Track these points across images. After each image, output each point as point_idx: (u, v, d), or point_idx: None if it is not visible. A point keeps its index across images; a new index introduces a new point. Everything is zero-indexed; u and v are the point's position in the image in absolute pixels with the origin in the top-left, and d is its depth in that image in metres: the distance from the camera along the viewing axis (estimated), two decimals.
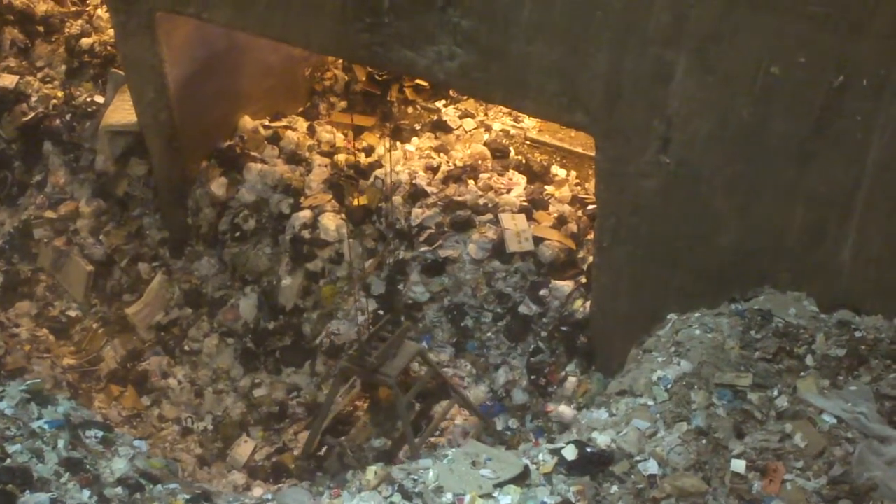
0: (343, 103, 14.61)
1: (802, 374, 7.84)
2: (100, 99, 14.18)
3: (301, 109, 14.38)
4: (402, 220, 12.09)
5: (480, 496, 7.04)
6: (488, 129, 13.98)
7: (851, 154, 8.04)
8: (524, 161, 13.29)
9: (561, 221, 12.13)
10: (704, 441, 7.39)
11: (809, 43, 7.77)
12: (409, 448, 10.46)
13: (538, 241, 11.81)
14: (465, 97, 14.17)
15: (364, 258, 12.13)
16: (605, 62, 8.73)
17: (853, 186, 8.18)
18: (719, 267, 9.14)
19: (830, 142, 8.07)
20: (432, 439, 11.14)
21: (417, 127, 14.11)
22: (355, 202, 12.72)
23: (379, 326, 10.69)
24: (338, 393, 11.10)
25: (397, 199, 12.30)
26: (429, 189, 12.60)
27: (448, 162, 13.33)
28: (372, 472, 7.43)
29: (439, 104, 14.46)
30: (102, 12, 14.60)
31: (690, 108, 8.53)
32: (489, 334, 11.49)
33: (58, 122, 14.19)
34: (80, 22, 14.86)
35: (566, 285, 11.48)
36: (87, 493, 7.08)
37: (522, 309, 11.50)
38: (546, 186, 12.84)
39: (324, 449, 11.16)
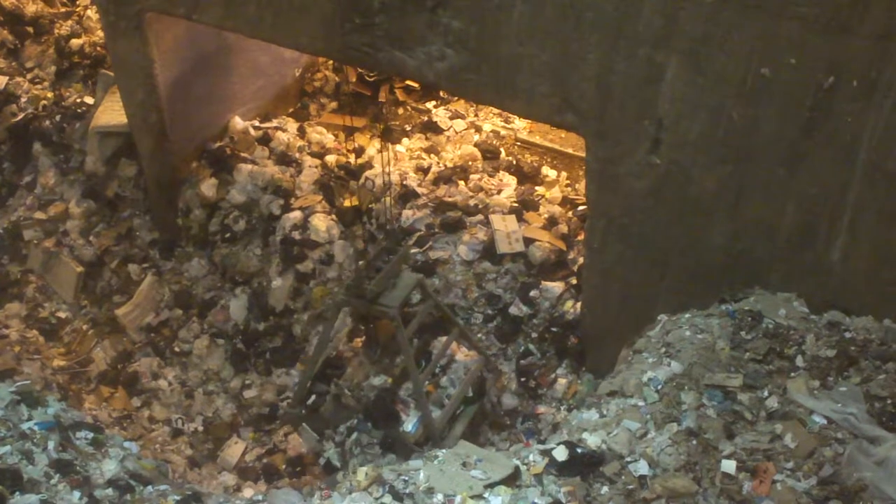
0: (333, 104, 14.63)
1: (792, 374, 7.85)
2: (89, 100, 14.17)
3: (291, 110, 14.40)
4: (392, 220, 12.06)
5: (471, 497, 7.03)
6: (479, 130, 14.01)
7: (842, 155, 8.05)
8: (515, 162, 13.32)
9: (551, 222, 12.15)
10: (695, 442, 7.40)
11: (800, 44, 7.78)
12: (412, 384, 10.20)
13: (528, 242, 11.84)
14: (456, 98, 14.19)
15: (354, 259, 12.11)
16: (596, 63, 8.74)
17: (843, 187, 8.19)
18: (710, 268, 9.15)
19: (821, 143, 8.08)
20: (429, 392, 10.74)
21: (408, 128, 14.12)
22: (346, 203, 12.72)
23: (375, 255, 10.30)
24: (332, 330, 10.78)
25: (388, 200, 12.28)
26: (419, 190, 12.62)
27: (438, 163, 13.36)
28: (363, 472, 7.42)
29: (430, 105, 14.48)
30: (92, 13, 14.58)
31: (681, 110, 8.54)
32: (480, 335, 11.47)
33: (47, 123, 14.17)
34: (69, 23, 14.84)
35: (556, 286, 11.50)
36: (77, 494, 7.06)
37: (513, 310, 11.51)
38: (536, 187, 12.87)
39: (312, 397, 10.78)
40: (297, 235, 12.48)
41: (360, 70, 14.25)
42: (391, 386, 10.48)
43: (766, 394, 7.71)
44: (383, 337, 10.84)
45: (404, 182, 12.67)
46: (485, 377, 10.95)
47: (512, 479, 7.21)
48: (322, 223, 12.43)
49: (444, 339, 10.94)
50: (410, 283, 10.26)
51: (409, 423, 10.16)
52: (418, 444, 10.16)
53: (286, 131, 13.77)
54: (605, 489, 7.16)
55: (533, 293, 11.50)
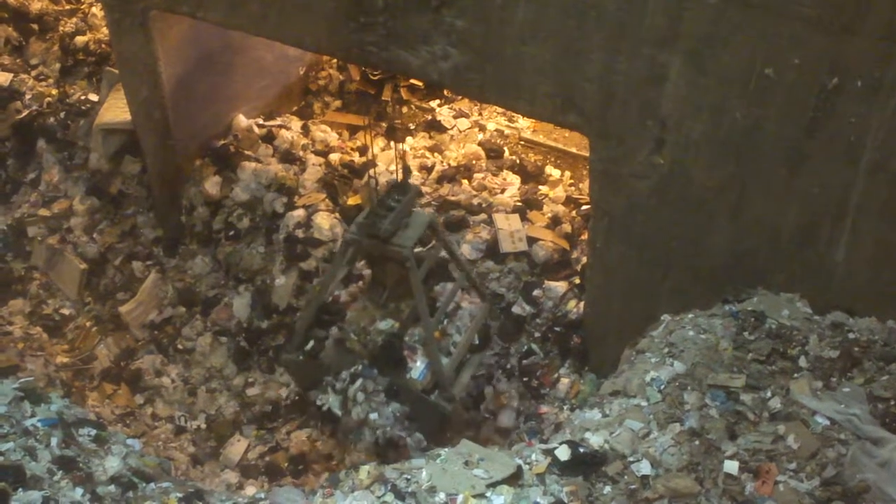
0: (337, 103, 14.64)
1: (795, 375, 7.85)
2: (94, 97, 14.18)
3: (295, 108, 14.40)
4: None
5: (473, 496, 7.03)
6: (482, 129, 14.01)
7: (845, 155, 8.05)
8: (518, 161, 13.32)
9: (555, 222, 12.15)
10: (697, 442, 7.39)
11: (803, 44, 7.77)
12: (423, 329, 9.85)
13: (532, 241, 11.84)
14: (460, 97, 14.19)
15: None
16: (599, 63, 8.73)
17: (847, 188, 8.19)
18: (713, 268, 9.15)
19: (824, 143, 8.08)
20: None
21: (412, 127, 14.12)
22: (349, 201, 12.73)
23: (386, 193, 9.87)
24: (340, 270, 10.42)
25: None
26: (423, 189, 12.61)
27: (442, 162, 13.36)
28: (365, 471, 7.42)
29: (434, 104, 14.48)
30: (97, 10, 14.59)
31: (684, 110, 8.54)
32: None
33: (52, 120, 14.19)
34: (74, 20, 14.85)
35: (560, 286, 11.50)
36: (79, 491, 7.07)
37: (516, 309, 11.50)
38: (540, 187, 12.87)
39: (310, 343, 10.41)
40: (300, 234, 12.49)
41: (364, 69, 14.25)
42: (399, 331, 10.09)
43: (768, 394, 7.70)
44: (390, 280, 10.28)
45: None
46: (489, 324, 10.76)
47: (514, 479, 7.21)
48: (325, 221, 12.44)
49: (449, 285, 10.69)
50: (423, 223, 9.91)
51: (417, 370, 9.93)
52: (426, 391, 9.96)
53: (290, 129, 13.77)
54: (607, 489, 7.16)
55: (536, 292, 11.50)
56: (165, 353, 13.05)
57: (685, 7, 8.08)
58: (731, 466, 7.17)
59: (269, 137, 13.57)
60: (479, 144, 13.60)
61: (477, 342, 10.63)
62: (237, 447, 12.11)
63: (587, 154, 9.78)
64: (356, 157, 13.38)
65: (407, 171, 10.84)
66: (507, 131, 13.92)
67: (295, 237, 12.50)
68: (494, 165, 13.30)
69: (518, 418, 11.07)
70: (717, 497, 7.01)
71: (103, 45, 14.38)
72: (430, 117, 14.24)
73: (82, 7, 15.02)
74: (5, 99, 14.35)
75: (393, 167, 12.40)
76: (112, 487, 7.29)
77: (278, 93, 14.03)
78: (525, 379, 11.19)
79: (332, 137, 13.83)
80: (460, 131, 14.05)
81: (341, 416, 10.13)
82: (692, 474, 7.17)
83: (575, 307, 11.27)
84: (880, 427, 7.35)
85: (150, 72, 11.92)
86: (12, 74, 14.53)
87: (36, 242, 13.81)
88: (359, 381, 9.93)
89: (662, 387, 7.90)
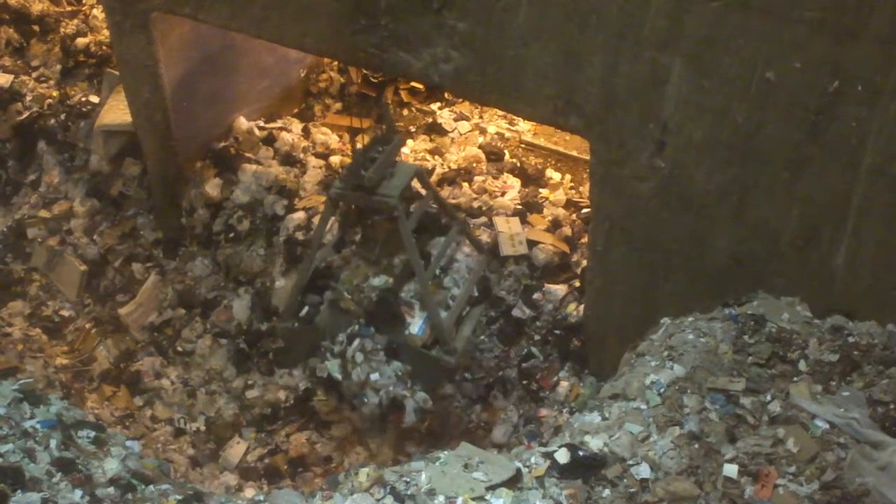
0: (338, 105, 14.63)
1: (795, 379, 7.84)
2: (95, 99, 14.18)
3: (296, 111, 14.39)
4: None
5: (472, 499, 7.02)
6: (483, 131, 14.01)
7: (846, 159, 8.05)
8: (519, 164, 13.32)
9: (555, 225, 12.14)
10: (697, 445, 7.38)
11: (805, 48, 7.77)
12: (418, 281, 9.62)
13: (532, 244, 11.83)
14: (461, 100, 14.19)
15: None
16: (601, 66, 8.74)
17: (848, 191, 8.18)
18: (713, 271, 9.14)
19: (825, 147, 8.07)
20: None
21: (412, 129, 14.13)
22: None
23: (368, 145, 9.62)
24: (326, 229, 10.13)
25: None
26: (423, 192, 12.60)
27: (443, 164, 13.35)
28: (364, 473, 7.41)
29: (434, 107, 14.48)
30: (98, 12, 14.59)
31: (685, 113, 8.54)
32: (482, 337, 11.46)
33: (52, 121, 14.19)
34: (75, 22, 14.85)
35: (560, 289, 11.49)
36: (78, 492, 7.05)
37: (516, 312, 11.48)
38: (540, 190, 12.86)
39: (305, 309, 10.13)
40: (300, 236, 12.48)
41: (364, 71, 14.26)
42: (393, 286, 9.83)
43: (768, 398, 7.70)
44: (381, 234, 10.09)
45: None
46: (488, 276, 10.47)
47: (513, 482, 7.20)
48: None
49: (442, 239, 10.29)
50: (409, 172, 9.76)
51: (415, 326, 9.67)
52: (426, 347, 9.72)
53: (291, 132, 13.77)
54: (606, 492, 7.15)
55: (536, 296, 11.50)
56: (165, 355, 13.04)
57: (686, 10, 8.08)
58: (731, 470, 7.16)
59: (269, 140, 13.56)
60: (480, 147, 13.60)
61: (476, 295, 10.33)
62: (236, 449, 12.10)
63: (588, 157, 9.77)
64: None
65: (390, 123, 10.69)
66: (507, 134, 13.93)
67: (295, 239, 12.49)
68: (495, 168, 13.29)
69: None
70: (717, 500, 7.01)
71: (104, 47, 14.39)
72: (430, 120, 14.24)
73: (83, 9, 15.03)
74: (6, 100, 14.35)
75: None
76: (111, 489, 7.28)
77: (279, 95, 14.02)
78: (525, 382, 11.19)
79: (333, 140, 13.83)
80: (461, 134, 14.05)
81: (342, 380, 9.89)
82: (692, 478, 7.17)
83: (575, 310, 11.26)
84: (880, 431, 7.35)
85: (151, 74, 11.92)
86: (13, 76, 14.53)
87: (36, 244, 13.81)
88: (356, 342, 9.69)
89: (662, 390, 7.89)
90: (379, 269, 10.00)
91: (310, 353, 10.29)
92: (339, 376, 9.87)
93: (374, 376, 9.80)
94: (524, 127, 13.93)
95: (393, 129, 10.38)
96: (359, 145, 9.63)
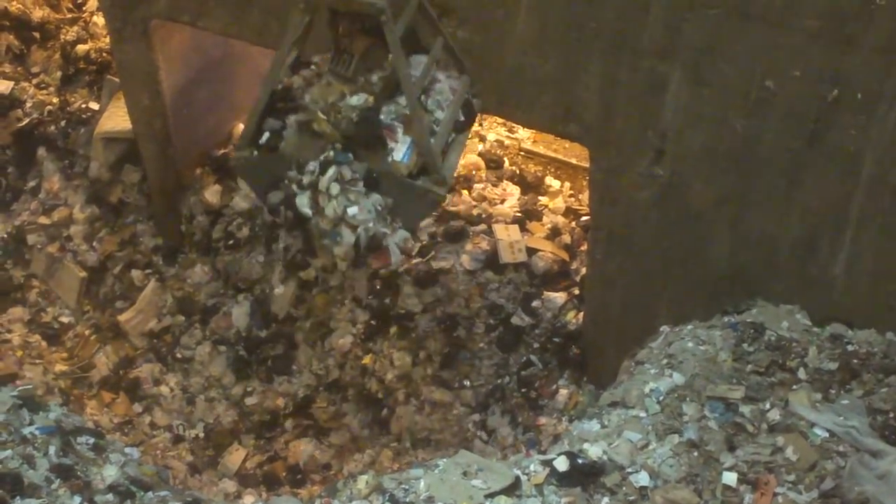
0: None
1: (794, 387, 7.85)
2: (95, 106, 14.16)
3: None
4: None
5: None
6: (482, 139, 13.98)
7: (845, 167, 8.06)
8: (518, 172, 13.30)
9: (554, 233, 12.14)
10: (696, 453, 7.39)
11: (804, 56, 7.79)
12: (406, 97, 8.02)
13: (531, 252, 11.82)
14: None
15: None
16: (599, 74, 8.75)
17: (846, 200, 8.20)
18: (712, 279, 9.15)
19: (824, 155, 8.09)
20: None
21: None
22: None
23: None
24: (294, 40, 8.36)
25: None
26: None
27: None
28: (363, 481, 7.42)
29: None
30: (98, 19, 14.57)
31: (684, 121, 8.55)
32: (481, 345, 11.47)
33: (52, 128, 14.16)
34: (75, 29, 14.83)
35: (559, 297, 11.49)
36: (77, 499, 7.07)
37: (515, 320, 11.49)
38: (540, 197, 12.84)
39: (266, 136, 8.44)
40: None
41: None
42: (374, 104, 8.19)
43: (767, 406, 7.71)
44: (359, 46, 8.37)
45: None
46: (472, 99, 8.95)
47: (512, 489, 7.20)
48: None
49: (422, 57, 8.66)
50: None
51: (399, 152, 8.15)
52: (412, 176, 8.19)
53: None
54: (605, 500, 7.16)
55: (535, 303, 11.50)
56: (164, 362, 13.01)
57: (685, 18, 8.09)
58: (730, 478, 7.17)
59: None
60: (479, 155, 13.58)
61: (461, 119, 8.83)
62: (235, 456, 12.10)
63: (587, 165, 9.78)
64: None
65: None
66: (507, 142, 13.90)
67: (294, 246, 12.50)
68: (494, 176, 13.27)
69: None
70: None
71: (104, 54, 14.37)
72: None
73: (84, 16, 15.01)
74: (6, 107, 14.33)
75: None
76: (110, 496, 7.30)
77: None
78: (524, 390, 11.19)
79: None
80: None
81: (312, 217, 8.30)
82: (691, 486, 7.17)
83: (574, 318, 11.26)
84: (879, 439, 7.36)
85: (151, 80, 11.92)
86: (13, 83, 14.51)
87: (35, 250, 13.79)
88: (331, 170, 8.12)
89: (661, 398, 7.90)
90: (356, 88, 8.35)
91: (272, 187, 8.57)
92: (308, 212, 8.27)
93: (353, 210, 8.19)
94: (524, 134, 13.91)
95: None
96: None
